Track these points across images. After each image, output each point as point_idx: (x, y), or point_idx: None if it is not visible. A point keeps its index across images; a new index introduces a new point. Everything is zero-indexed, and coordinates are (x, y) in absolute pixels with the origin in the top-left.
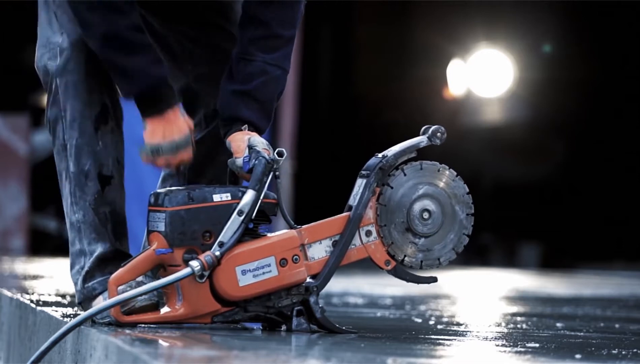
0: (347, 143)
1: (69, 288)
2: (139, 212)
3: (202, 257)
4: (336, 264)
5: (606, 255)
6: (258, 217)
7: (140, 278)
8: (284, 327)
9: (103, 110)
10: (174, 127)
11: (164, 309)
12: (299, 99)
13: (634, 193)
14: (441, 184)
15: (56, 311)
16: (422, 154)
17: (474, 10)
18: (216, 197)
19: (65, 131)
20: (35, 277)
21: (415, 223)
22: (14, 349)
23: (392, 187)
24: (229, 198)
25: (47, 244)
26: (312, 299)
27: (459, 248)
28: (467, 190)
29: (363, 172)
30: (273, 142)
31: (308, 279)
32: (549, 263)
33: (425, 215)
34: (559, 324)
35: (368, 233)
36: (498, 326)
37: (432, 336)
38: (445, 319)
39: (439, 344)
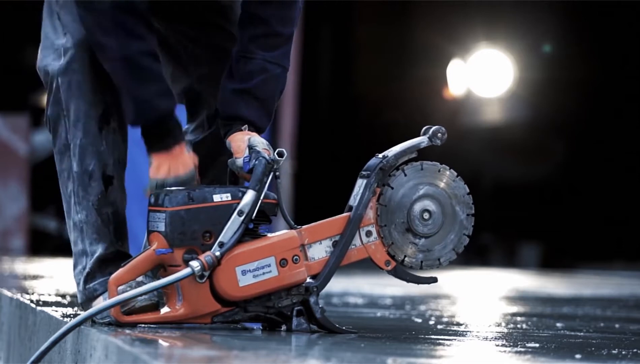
0: (347, 143)
1: (69, 287)
2: (139, 212)
3: (202, 257)
4: (336, 264)
5: (606, 255)
6: (258, 217)
7: (140, 278)
8: (284, 327)
9: (106, 110)
10: (180, 162)
11: (164, 309)
12: (299, 99)
13: (634, 193)
14: (442, 185)
15: (56, 311)
16: (422, 154)
17: (474, 10)
18: (216, 198)
19: (68, 130)
20: (35, 277)
21: (415, 223)
22: (14, 349)
23: (392, 188)
24: (229, 198)
25: (47, 244)
26: (312, 300)
27: (459, 248)
28: (468, 190)
29: (363, 172)
30: (273, 142)
31: (308, 280)
32: (549, 263)
33: (426, 215)
34: (559, 324)
35: (368, 233)
36: (498, 326)
37: (432, 336)
38: (445, 319)
39: (439, 344)
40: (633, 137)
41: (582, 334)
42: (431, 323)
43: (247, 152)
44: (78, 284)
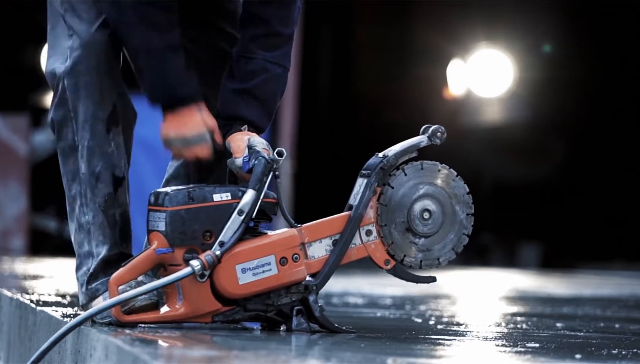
0: (347, 143)
1: (69, 287)
2: (139, 212)
3: (202, 256)
4: (336, 263)
5: (606, 255)
6: (258, 216)
7: (140, 278)
8: (283, 327)
9: (114, 111)
10: (187, 123)
11: (164, 309)
12: (299, 99)
13: (634, 193)
14: (441, 184)
15: (56, 311)
16: (422, 154)
17: (474, 10)
18: (216, 197)
19: (75, 132)
20: (35, 277)
21: (415, 223)
22: (14, 349)
23: (392, 187)
24: (229, 198)
25: (47, 244)
26: (311, 298)
27: (459, 248)
28: (468, 190)
29: (364, 171)
30: (273, 142)
31: (308, 278)
32: (549, 263)
33: (426, 215)
34: (559, 324)
35: (368, 233)
36: (498, 326)
37: (432, 336)
38: (445, 319)
39: (439, 344)
40: (633, 137)
41: (582, 334)
42: (431, 323)
43: (246, 152)
44: (82, 285)
